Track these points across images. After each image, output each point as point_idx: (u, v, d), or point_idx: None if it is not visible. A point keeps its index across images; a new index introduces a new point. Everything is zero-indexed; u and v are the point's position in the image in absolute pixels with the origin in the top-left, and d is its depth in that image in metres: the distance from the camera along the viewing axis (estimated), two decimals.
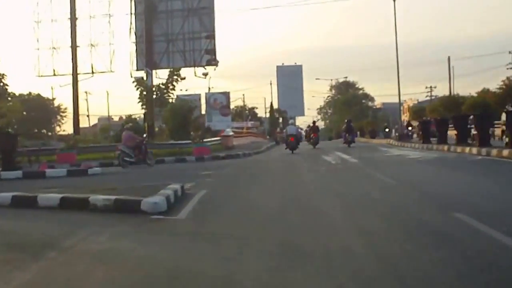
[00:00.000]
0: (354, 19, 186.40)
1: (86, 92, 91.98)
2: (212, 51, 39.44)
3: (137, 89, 33.20)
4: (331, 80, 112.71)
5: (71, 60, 41.03)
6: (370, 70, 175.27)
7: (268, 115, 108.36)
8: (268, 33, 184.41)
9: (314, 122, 42.40)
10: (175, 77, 33.88)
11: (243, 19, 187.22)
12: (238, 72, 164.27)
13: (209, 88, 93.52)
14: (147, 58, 39.29)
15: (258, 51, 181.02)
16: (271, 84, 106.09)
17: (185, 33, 40.06)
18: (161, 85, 34.42)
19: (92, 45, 41.34)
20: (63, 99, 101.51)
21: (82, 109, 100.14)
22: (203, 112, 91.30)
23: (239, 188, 13.57)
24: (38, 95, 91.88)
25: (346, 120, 42.98)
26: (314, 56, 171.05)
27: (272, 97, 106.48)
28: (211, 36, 39.61)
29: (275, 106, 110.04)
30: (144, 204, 8.90)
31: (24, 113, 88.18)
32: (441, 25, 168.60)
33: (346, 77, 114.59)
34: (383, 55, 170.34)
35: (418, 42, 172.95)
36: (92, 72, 41.44)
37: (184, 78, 40.74)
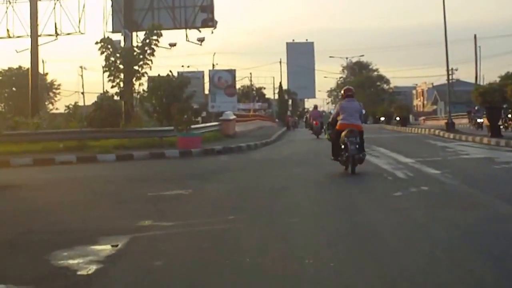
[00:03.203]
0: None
1: (81, 67, 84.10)
2: (209, 8, 30.15)
3: (102, 53, 23.86)
4: (346, 58, 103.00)
5: (29, 18, 31.97)
6: (381, 52, 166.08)
7: (276, 96, 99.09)
8: (279, 8, 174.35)
9: (316, 107, 43.77)
10: (154, 37, 24.43)
11: None
12: (245, 48, 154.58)
13: (213, 65, 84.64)
14: (126, 16, 30.12)
15: (267, 27, 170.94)
16: (280, 62, 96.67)
17: None
18: (136, 49, 25.06)
19: None
20: (57, 75, 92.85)
21: (77, 86, 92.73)
22: (207, 91, 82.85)
23: None
24: (29, 69, 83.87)
25: None
26: (326, 36, 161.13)
27: (281, 76, 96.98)
28: None
29: (285, 86, 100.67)
30: None
31: (14, 89, 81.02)
32: (464, 4, 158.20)
33: (362, 55, 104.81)
34: (393, 37, 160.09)
35: (437, 23, 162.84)
36: (56, 34, 32.37)
37: (174, 45, 31.46)
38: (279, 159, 18.22)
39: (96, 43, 24.01)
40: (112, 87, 24.99)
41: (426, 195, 9.68)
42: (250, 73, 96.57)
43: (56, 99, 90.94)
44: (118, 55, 24.07)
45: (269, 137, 30.94)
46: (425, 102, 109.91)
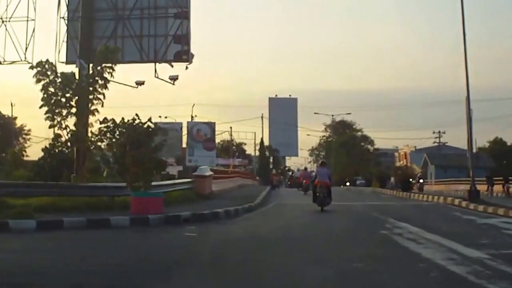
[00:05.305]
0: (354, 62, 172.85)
1: None
2: (184, 39, 24.47)
3: (38, 82, 17.89)
4: (332, 116, 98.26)
5: None
6: (361, 112, 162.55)
7: (257, 153, 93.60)
8: (263, 65, 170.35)
9: (305, 168, 49.44)
10: (106, 64, 18.63)
11: (239, 47, 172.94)
12: (226, 102, 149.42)
13: (191, 117, 79.33)
14: (82, 44, 24.39)
15: (249, 82, 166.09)
16: (262, 117, 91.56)
17: (143, 8, 25.26)
18: (84, 79, 19.20)
19: (1, 20, 26.52)
20: (27, 119, 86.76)
21: (47, 132, 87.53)
22: (184, 145, 77.09)
23: None
24: None
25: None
26: (309, 95, 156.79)
27: (263, 132, 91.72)
28: (184, 15, 24.71)
29: (266, 143, 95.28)
30: None
31: None
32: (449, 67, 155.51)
33: (349, 113, 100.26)
34: (374, 99, 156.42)
35: (417, 86, 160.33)
36: None
37: (142, 83, 25.82)
38: (272, 240, 12.26)
39: (32, 67, 18.12)
40: (51, 126, 18.95)
41: None
42: (231, 127, 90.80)
43: (26, 145, 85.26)
44: (59, 84, 18.15)
45: (252, 199, 25.02)
46: (408, 165, 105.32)
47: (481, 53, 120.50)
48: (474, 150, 73.50)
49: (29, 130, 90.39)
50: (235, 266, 8.80)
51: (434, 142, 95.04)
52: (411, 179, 42.03)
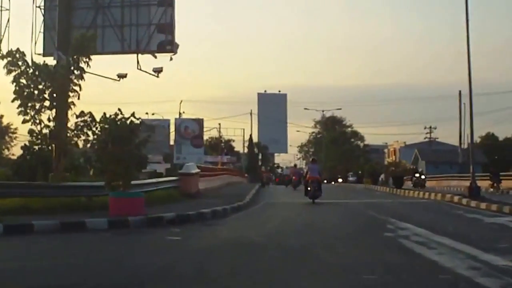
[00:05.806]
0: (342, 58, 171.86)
1: None
2: (168, 28, 23.16)
3: (8, 73, 16.51)
4: (322, 111, 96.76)
5: None
6: (351, 107, 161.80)
7: (246, 149, 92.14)
8: (252, 61, 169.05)
9: (295, 165, 52.91)
10: (82, 53, 17.24)
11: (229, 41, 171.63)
12: (214, 98, 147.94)
13: (179, 113, 78.02)
14: (60, 34, 23.00)
15: (238, 78, 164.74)
16: (251, 113, 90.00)
17: None
18: (59, 69, 17.78)
19: None
20: (13, 117, 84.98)
21: None
22: (172, 142, 75.69)
23: None
24: None
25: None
26: (299, 91, 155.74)
27: (251, 129, 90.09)
28: (168, 2, 23.38)
29: (255, 139, 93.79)
30: None
31: None
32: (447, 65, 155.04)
33: (340, 109, 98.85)
34: (364, 95, 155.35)
35: (405, 83, 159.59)
36: None
37: (124, 76, 24.51)
38: (263, 245, 10.93)
39: (2, 57, 16.71)
40: (24, 122, 17.52)
41: None
42: (219, 124, 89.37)
43: (12, 144, 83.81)
44: (30, 74, 16.73)
45: (241, 197, 23.73)
46: (397, 161, 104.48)
47: (471, 47, 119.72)
48: (466, 145, 72.92)
49: (15, 129, 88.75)
50: (220, 280, 7.45)
51: (425, 138, 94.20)
52: (417, 175, 40.78)
